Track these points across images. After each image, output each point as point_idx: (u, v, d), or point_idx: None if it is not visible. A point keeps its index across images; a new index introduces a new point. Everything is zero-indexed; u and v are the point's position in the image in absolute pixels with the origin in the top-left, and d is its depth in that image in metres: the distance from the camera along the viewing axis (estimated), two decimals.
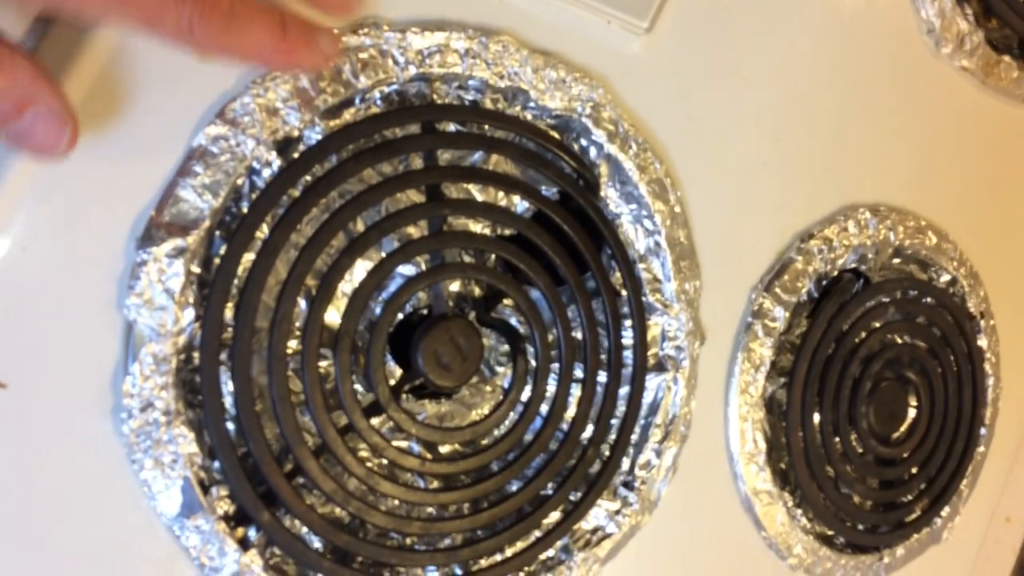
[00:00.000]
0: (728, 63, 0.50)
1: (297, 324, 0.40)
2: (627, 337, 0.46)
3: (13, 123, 0.27)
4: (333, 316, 0.41)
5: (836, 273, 0.53)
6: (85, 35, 0.34)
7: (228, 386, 0.37)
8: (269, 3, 0.31)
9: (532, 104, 0.44)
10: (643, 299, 0.47)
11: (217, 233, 0.37)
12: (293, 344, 0.39)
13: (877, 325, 0.54)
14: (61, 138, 0.28)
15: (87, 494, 0.36)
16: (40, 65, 0.28)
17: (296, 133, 0.38)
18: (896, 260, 0.56)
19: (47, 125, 0.28)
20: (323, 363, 0.40)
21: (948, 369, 0.57)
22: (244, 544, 0.38)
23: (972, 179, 0.59)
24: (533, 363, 0.44)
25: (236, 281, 0.37)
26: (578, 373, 0.45)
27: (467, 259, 0.44)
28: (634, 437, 0.47)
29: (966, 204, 0.59)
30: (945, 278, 0.57)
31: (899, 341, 0.56)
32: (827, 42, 0.53)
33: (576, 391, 0.45)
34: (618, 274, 0.46)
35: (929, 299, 0.56)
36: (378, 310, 0.42)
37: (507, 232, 0.45)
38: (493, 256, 0.45)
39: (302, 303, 0.39)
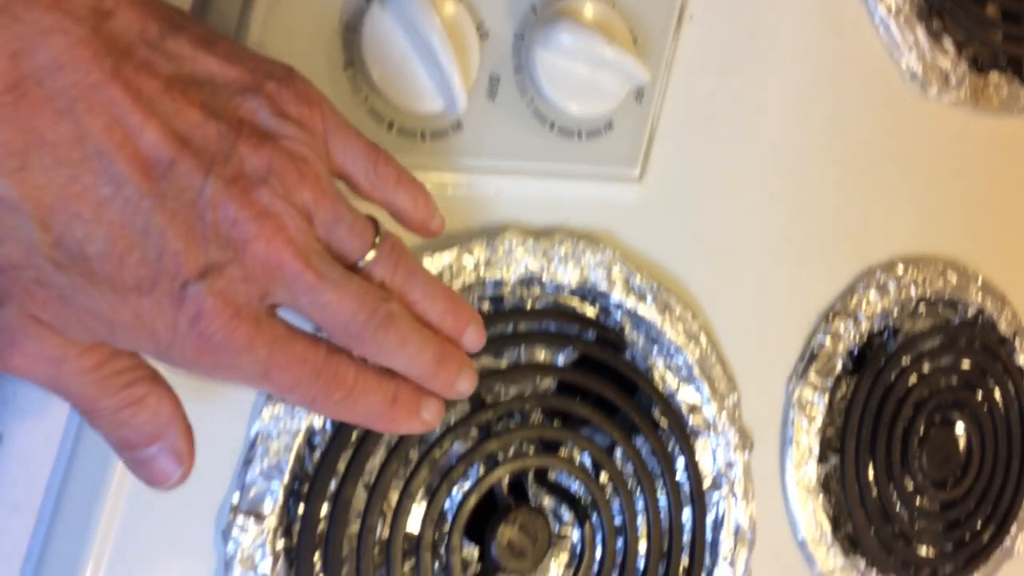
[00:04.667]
0: (724, 174, 0.51)
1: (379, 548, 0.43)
2: (679, 470, 0.49)
3: (138, 451, 0.30)
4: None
5: (867, 340, 0.55)
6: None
7: None
8: (386, 372, 0.34)
9: (549, 284, 0.46)
10: (686, 427, 0.49)
11: (291, 501, 0.40)
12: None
13: (914, 381, 0.56)
14: (173, 475, 0.30)
15: None
16: (178, 403, 0.30)
17: None
18: (922, 308, 0.57)
19: (166, 461, 0.30)
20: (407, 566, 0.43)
21: (991, 396, 0.59)
22: None
23: (983, 204, 0.60)
24: (595, 520, 0.47)
25: (316, 539, 0.40)
26: (640, 515, 0.48)
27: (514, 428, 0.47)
28: (707, 558, 0.49)
29: (981, 230, 0.60)
30: (972, 311, 0.59)
31: (941, 386, 0.57)
32: (815, 119, 0.54)
33: (642, 528, 0.48)
34: (658, 413, 0.49)
35: (961, 338, 0.58)
36: (450, 517, 0.45)
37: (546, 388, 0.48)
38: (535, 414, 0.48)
39: (380, 527, 0.42)
